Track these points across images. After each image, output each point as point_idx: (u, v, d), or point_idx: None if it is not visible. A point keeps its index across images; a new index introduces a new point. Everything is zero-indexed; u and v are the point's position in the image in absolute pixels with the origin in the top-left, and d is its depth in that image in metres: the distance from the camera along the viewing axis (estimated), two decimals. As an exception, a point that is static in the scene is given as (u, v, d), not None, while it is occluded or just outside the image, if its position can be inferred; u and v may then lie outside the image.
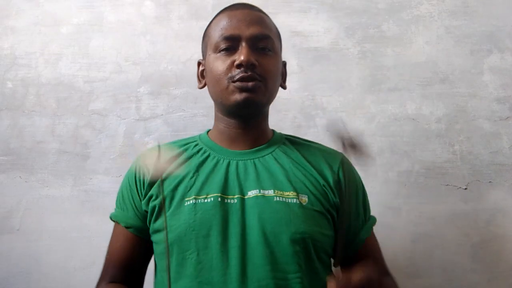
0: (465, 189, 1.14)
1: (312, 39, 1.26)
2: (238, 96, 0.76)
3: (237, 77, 0.75)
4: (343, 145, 0.57)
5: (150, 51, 1.27)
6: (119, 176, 1.17)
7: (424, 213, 1.12)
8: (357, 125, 1.19)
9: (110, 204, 1.15)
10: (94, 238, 1.13)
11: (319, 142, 0.91)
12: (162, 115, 1.22)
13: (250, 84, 0.75)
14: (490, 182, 1.14)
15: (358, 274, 0.55)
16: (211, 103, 1.21)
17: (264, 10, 0.90)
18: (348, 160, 0.83)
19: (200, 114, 1.22)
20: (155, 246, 0.76)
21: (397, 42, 1.25)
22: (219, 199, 0.72)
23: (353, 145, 0.58)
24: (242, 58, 0.75)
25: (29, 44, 1.28)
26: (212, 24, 0.84)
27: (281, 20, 1.23)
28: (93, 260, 1.11)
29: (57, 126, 1.21)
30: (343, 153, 0.56)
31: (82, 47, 1.28)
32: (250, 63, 0.75)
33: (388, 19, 1.27)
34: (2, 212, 1.15)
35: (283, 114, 1.19)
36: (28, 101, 1.23)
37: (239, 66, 0.75)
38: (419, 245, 1.11)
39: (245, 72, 0.75)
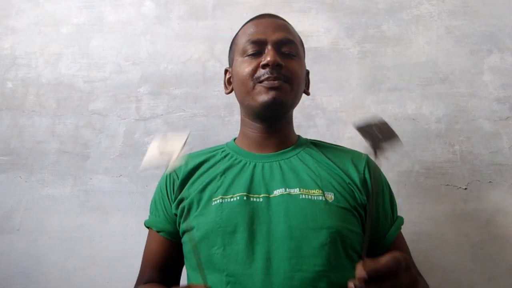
0: (465, 189, 1.13)
1: (312, 39, 1.26)
2: (265, 96, 0.78)
3: (263, 77, 0.78)
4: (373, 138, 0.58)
5: (150, 51, 1.27)
6: (119, 176, 1.17)
7: (424, 213, 1.12)
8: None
9: (110, 204, 1.15)
10: (94, 238, 1.13)
11: (333, 144, 0.92)
12: (162, 115, 1.22)
13: (276, 82, 0.78)
14: (490, 182, 1.14)
15: (385, 257, 0.55)
16: (211, 103, 1.22)
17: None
18: (373, 161, 0.85)
19: (200, 114, 1.22)
20: (184, 246, 0.79)
21: (397, 42, 1.25)
22: (245, 197, 0.74)
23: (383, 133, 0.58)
24: (268, 58, 0.78)
25: (29, 44, 1.28)
26: (239, 32, 0.88)
27: (281, 20, 1.23)
28: (93, 260, 1.11)
29: (57, 126, 1.21)
30: (373, 146, 0.57)
31: (82, 47, 1.28)
32: (276, 63, 0.78)
33: (388, 19, 1.27)
34: (2, 212, 1.15)
35: (283, 114, 1.19)
36: (28, 101, 1.23)
37: (265, 66, 0.79)
38: (419, 245, 1.11)
39: (271, 73, 0.78)
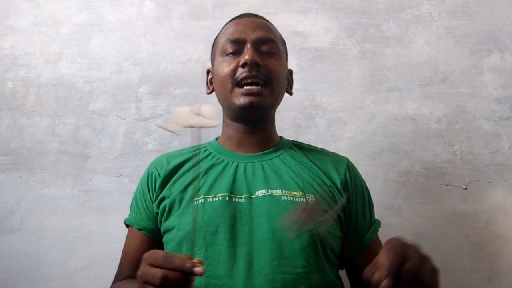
0: (465, 189, 1.13)
1: (312, 39, 1.26)
2: (242, 100, 0.78)
3: (241, 76, 0.78)
4: None
5: (150, 51, 1.27)
6: (119, 176, 1.17)
7: (424, 213, 1.12)
8: (357, 125, 1.19)
9: (110, 204, 1.15)
10: (94, 238, 1.13)
11: (319, 142, 0.93)
12: (162, 115, 1.22)
13: (255, 88, 0.78)
14: (490, 182, 1.14)
15: (382, 253, 0.55)
16: (211, 103, 1.22)
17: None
18: (353, 164, 0.88)
19: (200, 114, 1.21)
20: (165, 246, 0.78)
21: (397, 42, 1.25)
22: (227, 198, 0.74)
23: None
24: (246, 57, 0.78)
25: (29, 44, 1.28)
26: (220, 33, 0.89)
27: (281, 20, 1.23)
28: (93, 260, 1.11)
29: (57, 126, 1.21)
30: None
31: (82, 47, 1.28)
32: (255, 61, 0.78)
33: (388, 19, 1.27)
34: (2, 212, 1.15)
35: (283, 114, 1.19)
36: (28, 101, 1.23)
37: (243, 65, 0.78)
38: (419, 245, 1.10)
39: (250, 71, 0.78)
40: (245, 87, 0.78)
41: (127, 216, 0.87)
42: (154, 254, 0.55)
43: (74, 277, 1.10)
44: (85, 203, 1.15)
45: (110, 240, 1.12)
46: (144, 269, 0.54)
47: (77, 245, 1.12)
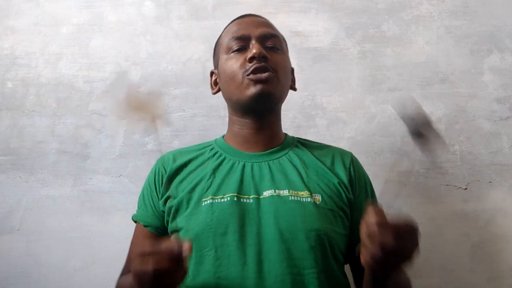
0: (465, 189, 1.13)
1: (312, 39, 1.26)
2: (253, 89, 0.79)
3: (251, 68, 0.79)
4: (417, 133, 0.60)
5: (150, 51, 1.27)
6: (119, 176, 1.17)
7: (424, 213, 1.12)
8: (357, 125, 1.19)
9: (110, 204, 1.15)
10: (94, 238, 1.13)
11: (319, 142, 0.93)
12: (162, 115, 1.22)
13: (264, 75, 0.78)
14: (490, 182, 1.14)
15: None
16: (211, 103, 1.22)
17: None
18: (357, 158, 0.89)
19: (200, 114, 1.22)
20: None
21: (397, 42, 1.25)
22: (235, 198, 0.75)
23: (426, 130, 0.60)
24: (254, 51, 0.79)
25: (29, 44, 1.28)
26: (222, 33, 0.90)
27: (281, 20, 1.23)
28: (93, 260, 1.11)
29: (57, 126, 1.21)
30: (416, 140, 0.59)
31: (82, 47, 1.28)
32: (262, 55, 0.79)
33: (388, 19, 1.27)
34: (2, 212, 1.15)
35: (283, 114, 1.17)
36: (28, 101, 1.23)
37: (251, 59, 0.79)
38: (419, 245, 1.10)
39: (259, 63, 0.79)
40: (253, 74, 0.79)
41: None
42: (142, 249, 0.59)
43: (74, 277, 1.10)
44: (85, 203, 1.15)
45: (110, 240, 1.12)
46: (136, 263, 0.58)
47: (77, 245, 1.12)
